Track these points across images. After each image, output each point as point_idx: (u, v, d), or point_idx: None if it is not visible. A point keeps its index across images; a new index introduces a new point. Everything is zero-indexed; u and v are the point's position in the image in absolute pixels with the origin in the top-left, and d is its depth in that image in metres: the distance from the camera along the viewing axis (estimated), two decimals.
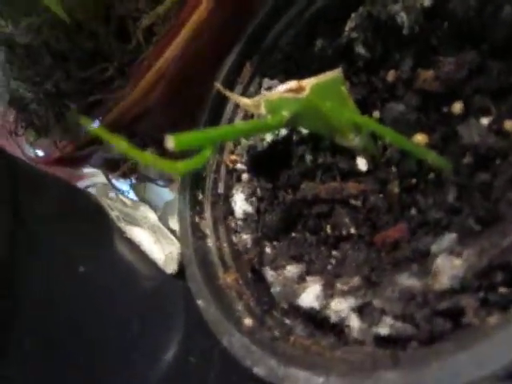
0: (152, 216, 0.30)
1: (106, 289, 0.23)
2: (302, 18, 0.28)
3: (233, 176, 0.29)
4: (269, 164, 0.28)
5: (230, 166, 0.29)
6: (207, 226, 0.28)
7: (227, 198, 0.29)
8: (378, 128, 0.23)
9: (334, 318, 0.20)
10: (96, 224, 0.26)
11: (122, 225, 0.26)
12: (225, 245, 0.27)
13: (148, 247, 0.26)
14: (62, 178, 0.33)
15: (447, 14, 0.22)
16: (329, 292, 0.21)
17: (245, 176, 0.28)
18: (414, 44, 0.24)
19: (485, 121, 0.21)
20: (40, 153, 0.39)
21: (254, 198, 0.27)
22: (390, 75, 0.25)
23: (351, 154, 0.26)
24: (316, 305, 0.21)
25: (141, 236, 0.26)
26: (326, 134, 0.25)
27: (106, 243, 0.24)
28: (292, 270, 0.23)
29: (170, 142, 0.19)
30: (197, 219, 0.28)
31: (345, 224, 0.25)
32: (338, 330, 0.20)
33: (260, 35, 0.29)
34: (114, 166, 0.35)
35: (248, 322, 0.23)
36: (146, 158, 0.17)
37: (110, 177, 0.38)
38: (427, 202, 0.23)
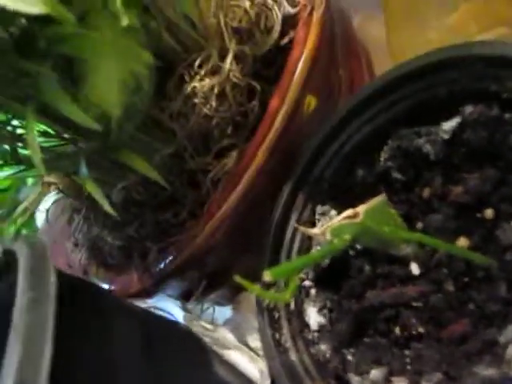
0: (230, 336, 0.33)
1: None
2: (342, 152, 0.34)
3: (301, 293, 0.33)
4: (331, 278, 0.32)
5: (298, 283, 0.33)
6: (287, 340, 0.31)
7: (300, 313, 0.32)
8: (425, 239, 0.27)
9: None
10: (194, 349, 0.29)
11: (216, 348, 0.30)
12: (305, 356, 0.30)
13: (244, 367, 0.28)
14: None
15: (464, 142, 0.28)
16: None
17: (313, 291, 0.32)
18: (441, 165, 0.30)
19: None
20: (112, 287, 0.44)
21: (325, 310, 0.31)
22: (425, 192, 0.31)
23: (404, 261, 0.30)
24: None
25: (236, 357, 0.29)
26: (381, 248, 0.30)
27: (207, 367, 0.27)
28: (376, 373, 0.26)
29: (267, 274, 0.24)
30: (277, 336, 0.31)
31: (412, 324, 0.28)
32: None
33: (308, 169, 0.35)
34: (187, 294, 0.39)
35: None
36: (256, 289, 0.22)
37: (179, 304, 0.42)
38: (482, 297, 0.26)
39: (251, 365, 0.29)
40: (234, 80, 0.35)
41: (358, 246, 0.32)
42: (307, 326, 0.31)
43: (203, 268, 0.38)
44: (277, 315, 0.32)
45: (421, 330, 0.28)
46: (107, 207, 0.28)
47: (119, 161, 0.30)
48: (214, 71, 0.36)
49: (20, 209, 0.29)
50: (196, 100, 0.35)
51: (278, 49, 0.38)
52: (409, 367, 0.26)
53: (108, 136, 0.27)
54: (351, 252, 0.33)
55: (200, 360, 0.28)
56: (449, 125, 0.28)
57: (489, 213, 0.28)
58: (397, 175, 0.31)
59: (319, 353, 0.30)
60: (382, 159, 0.32)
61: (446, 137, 0.28)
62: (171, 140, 0.35)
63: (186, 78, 0.36)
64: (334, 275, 0.33)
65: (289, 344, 0.31)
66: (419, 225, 0.31)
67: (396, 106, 0.32)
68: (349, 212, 0.28)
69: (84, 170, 0.27)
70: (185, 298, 0.39)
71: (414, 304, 0.29)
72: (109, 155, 0.30)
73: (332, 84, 0.38)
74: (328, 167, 0.35)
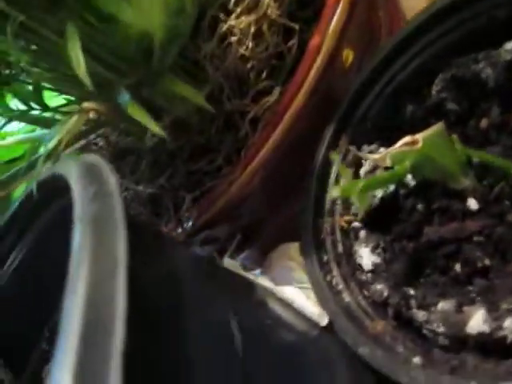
0: (270, 285, 0.32)
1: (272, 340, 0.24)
2: (386, 92, 0.32)
3: (349, 235, 0.31)
4: (382, 219, 0.31)
5: (346, 226, 0.32)
6: (338, 283, 0.29)
7: (350, 255, 0.30)
8: (494, 160, 0.25)
9: (510, 337, 0.21)
10: (244, 287, 0.27)
11: (269, 285, 0.28)
12: (360, 297, 0.28)
13: (301, 303, 0.27)
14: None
15: None
16: (495, 314, 0.22)
17: (362, 233, 0.31)
18: (500, 93, 0.28)
19: None
20: None
21: (379, 249, 0.29)
22: (483, 123, 0.29)
23: (462, 197, 0.29)
24: (486, 329, 0.22)
25: (293, 294, 0.27)
26: (440, 180, 0.28)
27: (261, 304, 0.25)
28: (445, 305, 0.25)
29: (336, 190, 0.22)
30: (328, 278, 0.29)
31: (478, 258, 0.26)
32: None
33: (351, 111, 0.33)
34: (220, 252, 0.37)
35: (417, 360, 0.23)
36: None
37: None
38: None
39: (309, 302, 0.27)
40: (273, 16, 0.33)
41: (411, 183, 0.31)
42: (359, 267, 0.30)
43: (238, 219, 0.36)
44: (325, 258, 0.31)
45: (487, 262, 0.26)
46: (154, 127, 0.26)
47: (163, 91, 0.28)
48: (251, 9, 0.34)
49: (52, 143, 0.27)
50: (232, 38, 0.33)
51: None
52: (479, 298, 0.25)
53: (150, 60, 0.26)
54: (402, 191, 0.31)
55: (253, 297, 0.26)
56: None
57: None
58: (451, 106, 0.29)
59: (375, 293, 0.28)
60: (433, 92, 0.30)
61: (509, 57, 0.27)
62: (207, 80, 0.33)
63: (222, 16, 0.34)
64: (383, 218, 0.31)
65: (341, 286, 0.29)
66: (476, 159, 0.29)
67: (443, 38, 0.30)
68: (407, 138, 0.26)
69: (126, 96, 0.25)
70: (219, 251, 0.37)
71: (476, 239, 0.27)
72: (152, 82, 0.28)
73: (373, 26, 0.36)
74: (372, 107, 0.33)
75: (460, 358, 0.23)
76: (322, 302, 0.28)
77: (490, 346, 0.22)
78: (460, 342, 0.23)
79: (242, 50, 0.34)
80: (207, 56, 0.34)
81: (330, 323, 0.26)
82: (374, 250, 0.29)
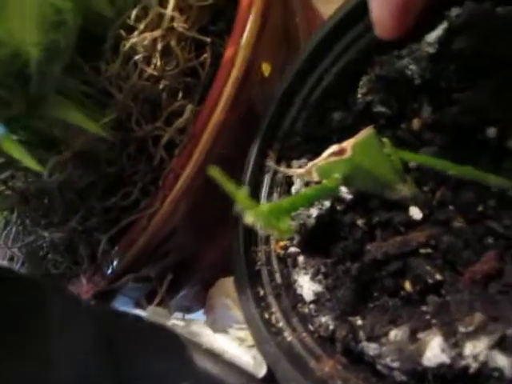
0: (207, 330, 0.27)
1: None
2: (312, 99, 0.30)
3: (287, 262, 0.28)
4: (320, 240, 0.27)
5: (281, 253, 0.28)
6: (278, 320, 0.25)
7: (289, 286, 0.27)
8: (431, 161, 0.23)
9: (474, 366, 0.18)
10: (172, 342, 0.23)
11: (198, 339, 0.23)
12: (303, 334, 0.25)
13: (234, 352, 0.22)
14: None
15: (453, 55, 0.24)
16: (453, 340, 0.19)
17: (301, 258, 0.27)
18: (429, 90, 0.26)
19: None
20: None
21: (320, 276, 0.26)
22: (415, 124, 0.26)
23: (402, 207, 0.26)
24: (445, 359, 0.19)
25: (224, 343, 0.23)
26: (376, 191, 0.25)
27: (189, 359, 0.21)
28: (398, 333, 0.21)
29: (249, 215, 0.18)
30: (266, 315, 0.25)
31: (427, 272, 0.23)
32: (483, 378, 0.18)
33: (275, 124, 0.30)
34: (150, 296, 0.33)
35: None
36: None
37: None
38: (504, 223, 0.22)
39: (242, 349, 0.23)
40: (180, 30, 0.30)
41: (347, 197, 0.28)
42: (300, 299, 0.26)
43: (166, 258, 0.32)
44: (262, 292, 0.27)
45: (438, 277, 0.23)
46: (32, 164, 0.21)
47: (50, 120, 0.24)
48: (155, 24, 0.31)
49: None
50: (137, 57, 0.30)
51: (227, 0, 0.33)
52: (434, 321, 0.21)
53: (27, 83, 0.21)
54: (339, 207, 0.28)
55: (173, 351, 0.22)
56: (433, 35, 0.24)
57: (492, 132, 0.24)
58: (380, 109, 0.27)
59: (320, 327, 0.24)
60: (359, 96, 0.28)
61: (432, 50, 0.25)
62: (112, 106, 0.29)
63: (124, 35, 0.30)
64: (322, 237, 0.28)
65: (282, 324, 0.25)
66: (412, 164, 0.27)
67: (365, 35, 0.28)
68: (334, 147, 0.23)
69: (1, 129, 0.21)
70: (148, 300, 0.32)
71: (423, 251, 0.24)
72: (34, 110, 0.23)
73: (290, 33, 0.34)
74: (298, 118, 0.30)
75: None
76: (260, 344, 0.24)
77: (451, 379, 0.19)
78: (418, 376, 0.20)
79: (149, 70, 0.30)
80: (112, 78, 0.30)
81: (270, 372, 0.22)
82: (314, 277, 0.26)
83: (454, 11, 0.24)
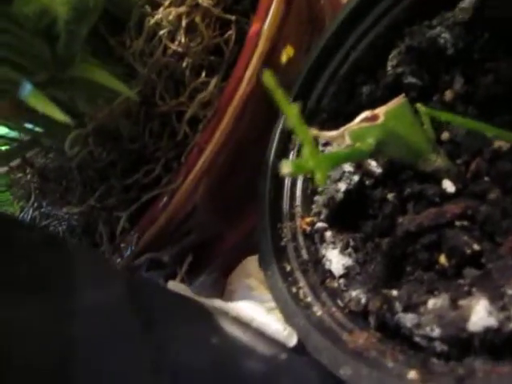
0: (231, 304, 0.26)
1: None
2: (339, 74, 0.29)
3: (314, 238, 0.27)
4: (349, 215, 0.26)
5: (308, 229, 0.27)
6: (307, 294, 0.24)
7: (317, 262, 0.26)
8: (471, 124, 0.22)
9: None
10: (200, 310, 0.21)
11: (220, 305, 0.22)
12: (333, 309, 0.23)
13: (262, 320, 0.21)
14: None
15: (487, 21, 0.24)
16: (501, 303, 0.18)
17: (328, 234, 0.26)
18: (461, 61, 0.25)
19: None
20: None
21: (349, 249, 0.25)
22: (447, 95, 0.26)
23: (435, 179, 0.25)
24: (493, 322, 0.18)
25: (250, 310, 0.22)
26: (410, 159, 0.25)
27: (218, 326, 0.20)
28: (437, 302, 0.20)
29: (287, 167, 0.18)
30: (294, 290, 0.24)
31: (465, 243, 0.22)
32: None
33: (301, 100, 0.29)
34: (170, 275, 0.32)
35: (412, 374, 0.18)
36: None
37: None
38: None
39: (271, 316, 0.22)
40: (205, 5, 0.30)
41: (376, 171, 0.27)
42: (329, 274, 0.25)
43: (187, 237, 0.31)
44: (288, 268, 0.26)
45: (476, 247, 0.22)
46: (61, 117, 0.21)
47: (77, 83, 0.23)
48: (181, 1, 0.30)
49: None
50: (161, 32, 0.30)
51: None
52: (475, 289, 0.20)
53: (55, 43, 0.21)
54: (368, 182, 0.27)
55: (201, 318, 0.21)
56: (468, 1, 0.24)
57: None
58: (411, 80, 0.26)
59: (351, 301, 0.23)
60: (389, 68, 0.27)
61: (467, 16, 0.24)
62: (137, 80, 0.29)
63: (149, 10, 0.30)
64: (350, 213, 0.27)
65: (310, 299, 0.24)
66: (445, 135, 0.26)
67: (392, 10, 0.28)
68: (367, 113, 0.23)
69: (27, 87, 0.21)
70: (169, 276, 0.31)
71: (459, 223, 0.23)
72: (62, 72, 0.23)
73: (315, 15, 0.34)
74: (324, 94, 0.30)
75: (466, 366, 0.18)
76: (289, 318, 0.23)
77: (500, 344, 0.18)
78: (462, 345, 0.19)
79: (173, 46, 0.30)
80: (136, 54, 0.30)
81: (300, 343, 0.21)
82: (343, 251, 0.25)
83: None
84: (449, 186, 0.25)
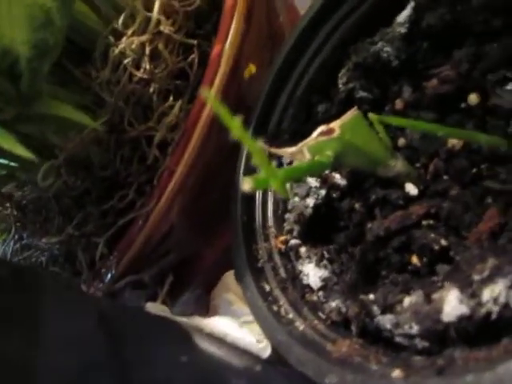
0: (206, 320, 0.26)
1: None
2: (296, 96, 0.30)
3: (290, 256, 0.27)
4: (320, 229, 0.27)
5: (282, 247, 0.27)
6: (288, 311, 0.24)
7: (294, 278, 0.26)
8: (422, 126, 0.23)
9: (495, 310, 0.17)
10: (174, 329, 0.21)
11: (196, 322, 0.22)
12: (316, 322, 0.24)
13: (236, 334, 0.21)
14: None
15: (425, 31, 0.25)
16: (470, 290, 0.18)
17: (303, 249, 0.27)
18: (406, 70, 0.27)
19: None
20: None
21: (324, 261, 0.25)
22: (398, 104, 0.27)
23: (398, 184, 0.26)
24: (465, 309, 0.18)
25: (224, 325, 0.22)
26: (370, 168, 0.25)
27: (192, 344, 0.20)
28: (412, 299, 0.20)
29: (248, 183, 0.18)
30: (274, 308, 0.24)
31: (433, 240, 0.23)
32: (505, 322, 0.17)
33: (263, 122, 0.30)
34: (152, 296, 0.31)
35: (396, 373, 0.19)
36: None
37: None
38: (501, 178, 0.22)
39: (244, 330, 0.22)
40: (167, 32, 0.31)
41: (341, 183, 0.28)
42: (308, 288, 0.25)
43: (166, 257, 0.31)
44: (267, 288, 0.26)
45: (443, 242, 0.23)
46: (23, 152, 0.21)
47: (44, 118, 0.24)
48: (143, 29, 0.32)
49: None
50: (126, 61, 0.30)
51: (213, 4, 0.35)
52: (447, 283, 0.21)
53: (19, 80, 0.22)
54: (335, 195, 0.28)
55: (174, 337, 0.20)
56: (403, 15, 0.26)
57: (473, 98, 0.25)
58: (362, 94, 0.28)
59: (332, 311, 0.23)
60: (340, 86, 0.29)
61: (404, 30, 0.26)
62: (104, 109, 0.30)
63: (112, 41, 0.31)
64: (321, 227, 0.27)
65: (292, 315, 0.24)
66: (401, 141, 0.27)
67: (338, 28, 0.29)
68: (322, 127, 0.24)
69: None
70: (149, 299, 0.31)
71: (425, 223, 0.24)
72: (27, 108, 0.23)
73: (274, 32, 0.35)
74: (284, 116, 0.31)
75: (445, 357, 0.18)
76: (270, 334, 0.23)
77: (475, 331, 0.18)
78: (440, 337, 0.19)
79: (139, 73, 0.31)
80: (102, 83, 0.30)
81: (274, 354, 0.21)
82: (319, 264, 0.25)
83: None
84: (411, 188, 0.26)
